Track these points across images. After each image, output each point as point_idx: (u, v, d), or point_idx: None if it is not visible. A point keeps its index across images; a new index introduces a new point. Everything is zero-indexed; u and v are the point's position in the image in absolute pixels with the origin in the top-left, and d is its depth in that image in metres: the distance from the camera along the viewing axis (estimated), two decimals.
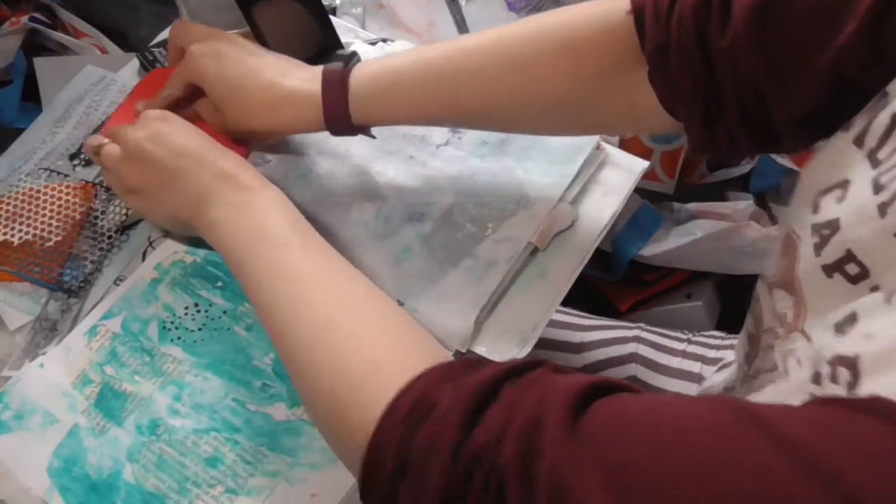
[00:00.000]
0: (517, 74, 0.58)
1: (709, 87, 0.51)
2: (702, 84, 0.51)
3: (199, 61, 0.64)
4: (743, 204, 1.11)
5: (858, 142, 0.39)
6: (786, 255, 0.44)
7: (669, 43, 0.51)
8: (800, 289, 0.43)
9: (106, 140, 0.64)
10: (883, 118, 0.38)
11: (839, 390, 0.34)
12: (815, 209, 0.41)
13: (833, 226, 0.39)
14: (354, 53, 0.70)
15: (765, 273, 0.48)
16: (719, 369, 0.58)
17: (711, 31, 0.49)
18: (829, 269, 0.40)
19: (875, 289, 0.37)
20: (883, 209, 0.36)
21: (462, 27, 0.98)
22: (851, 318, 0.37)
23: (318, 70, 0.63)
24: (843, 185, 0.40)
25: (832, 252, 0.39)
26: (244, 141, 0.67)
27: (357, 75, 0.61)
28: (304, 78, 0.62)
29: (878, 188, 0.37)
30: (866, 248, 0.37)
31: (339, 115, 0.62)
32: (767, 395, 0.43)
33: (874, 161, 0.38)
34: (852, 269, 0.38)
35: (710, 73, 0.50)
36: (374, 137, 0.66)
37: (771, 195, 1.19)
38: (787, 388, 0.40)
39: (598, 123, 0.62)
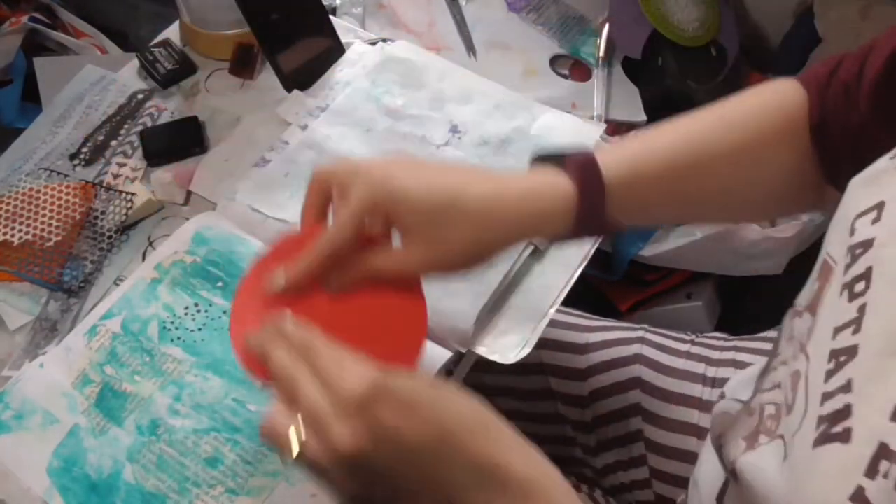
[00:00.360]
0: (749, 156, 0.55)
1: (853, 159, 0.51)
2: (848, 156, 0.51)
3: (388, 181, 0.48)
4: None
5: None
6: (821, 279, 0.43)
7: (827, 119, 0.52)
8: (820, 310, 0.42)
9: (302, 436, 0.41)
10: None
11: (888, 485, 0.33)
12: (852, 232, 0.41)
13: (866, 245, 0.39)
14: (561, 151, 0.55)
15: (796, 303, 0.47)
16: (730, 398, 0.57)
17: (853, 108, 0.50)
18: (844, 287, 0.39)
19: (863, 308, 0.37)
20: None
21: (462, 27, 0.98)
22: (850, 352, 0.37)
23: (525, 169, 0.53)
24: (879, 206, 0.40)
25: (855, 269, 0.39)
26: (423, 319, 0.50)
27: (605, 162, 0.52)
28: (527, 174, 0.52)
29: None
30: (884, 265, 0.37)
31: (595, 207, 0.51)
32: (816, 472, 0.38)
33: None
34: (860, 286, 0.38)
35: (857, 146, 0.51)
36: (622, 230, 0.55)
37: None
38: (815, 462, 0.37)
39: (807, 201, 0.60)
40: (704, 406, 0.70)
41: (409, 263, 0.50)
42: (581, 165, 0.51)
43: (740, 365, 0.71)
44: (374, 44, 0.81)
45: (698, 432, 0.69)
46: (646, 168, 0.53)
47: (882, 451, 0.33)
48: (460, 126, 0.73)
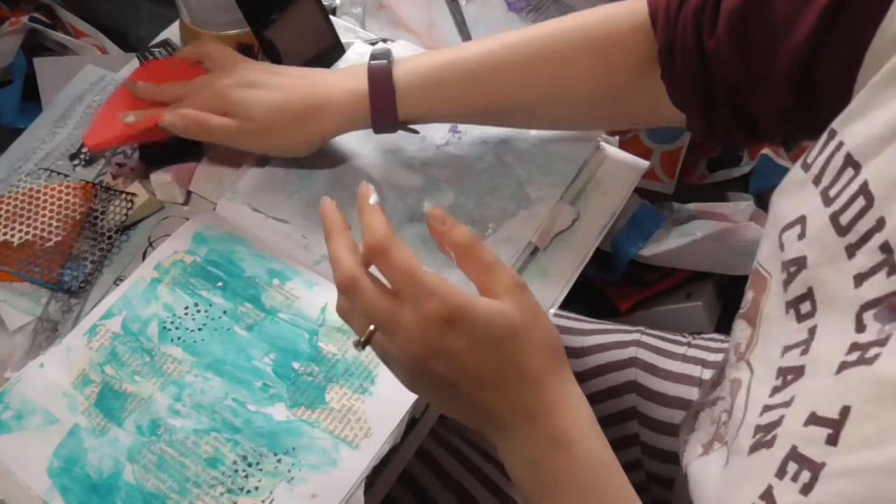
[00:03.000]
0: (557, 69, 0.60)
1: (706, 83, 0.55)
2: (700, 81, 0.55)
3: (232, 92, 0.65)
4: (743, 204, 1.11)
5: (816, 181, 0.41)
6: (755, 288, 0.46)
7: (675, 42, 0.55)
8: (759, 322, 0.44)
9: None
10: (837, 160, 0.40)
11: (794, 489, 0.34)
12: (781, 246, 0.43)
13: (800, 263, 0.40)
14: (389, 51, 0.66)
15: (741, 306, 0.50)
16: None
17: (704, 34, 0.53)
18: (788, 305, 0.41)
19: (813, 330, 0.38)
20: (851, 251, 0.37)
21: (462, 27, 0.98)
22: (797, 372, 0.38)
23: (355, 69, 0.64)
24: (801, 220, 0.41)
25: (796, 288, 0.40)
26: None
27: (401, 71, 0.62)
28: (344, 79, 0.64)
29: (840, 229, 0.38)
30: (826, 287, 0.38)
31: (387, 112, 0.63)
32: (729, 469, 0.42)
33: (826, 199, 0.40)
34: (805, 307, 0.39)
35: (706, 71, 0.54)
36: (416, 132, 0.67)
37: (771, 195, 1.19)
38: (746, 468, 0.39)
39: (626, 117, 0.66)
40: None
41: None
42: (378, 77, 0.62)
43: None
44: (374, 44, 0.81)
45: None
46: (444, 75, 0.62)
47: (792, 454, 0.35)
48: (460, 126, 0.73)
